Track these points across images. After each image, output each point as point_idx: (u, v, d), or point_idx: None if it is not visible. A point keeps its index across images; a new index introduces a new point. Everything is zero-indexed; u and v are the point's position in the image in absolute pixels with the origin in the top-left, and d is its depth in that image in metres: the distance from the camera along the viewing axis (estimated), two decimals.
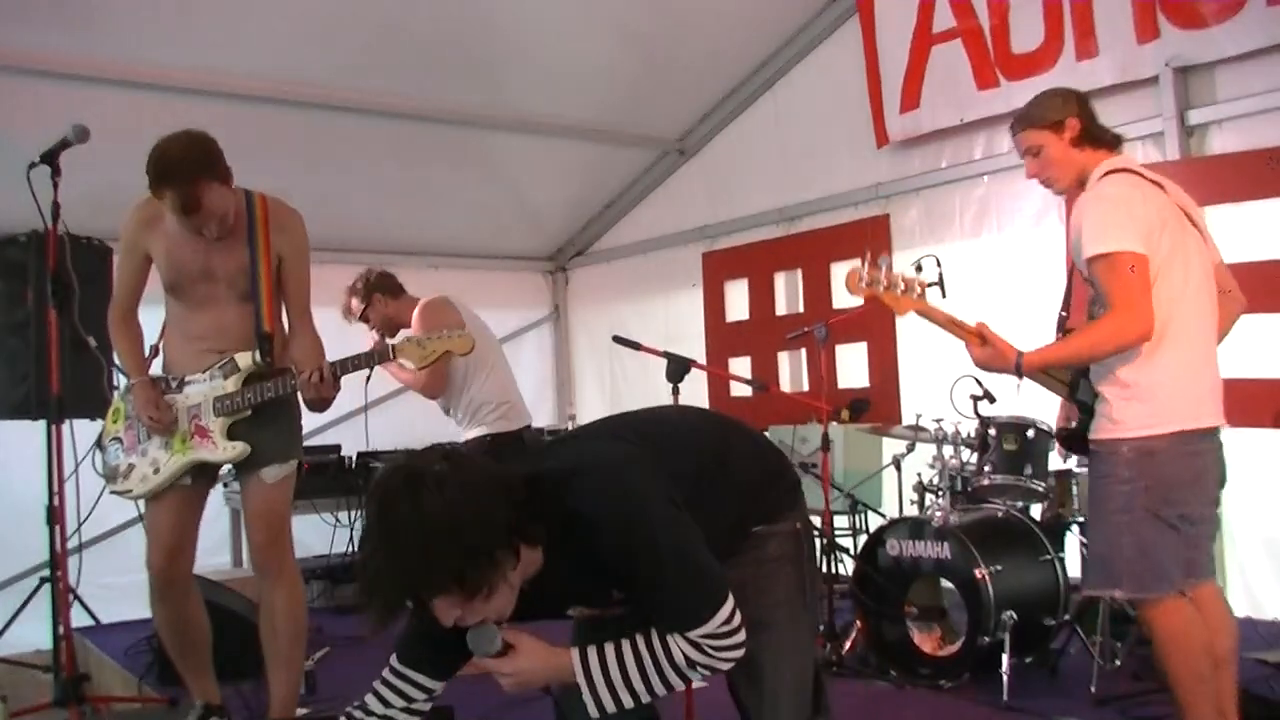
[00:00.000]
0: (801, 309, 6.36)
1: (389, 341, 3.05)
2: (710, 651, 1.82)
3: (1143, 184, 2.73)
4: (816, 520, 4.36)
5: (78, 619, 4.19)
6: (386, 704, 2.00)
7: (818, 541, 2.31)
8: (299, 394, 3.20)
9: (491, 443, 4.60)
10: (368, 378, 3.81)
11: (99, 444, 3.39)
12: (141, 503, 3.30)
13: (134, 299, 3.31)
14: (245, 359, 3.19)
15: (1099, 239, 2.63)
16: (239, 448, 3.17)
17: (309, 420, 6.14)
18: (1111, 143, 2.84)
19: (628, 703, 1.84)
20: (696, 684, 2.34)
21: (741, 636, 1.84)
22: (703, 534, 1.86)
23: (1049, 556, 3.93)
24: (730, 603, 1.82)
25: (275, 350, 3.21)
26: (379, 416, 6.94)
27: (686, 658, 1.82)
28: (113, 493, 3.32)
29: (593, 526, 1.81)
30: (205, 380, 3.21)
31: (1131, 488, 2.66)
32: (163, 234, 3.16)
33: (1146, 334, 2.60)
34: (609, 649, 1.84)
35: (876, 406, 5.57)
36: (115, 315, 3.32)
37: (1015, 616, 3.63)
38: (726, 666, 1.86)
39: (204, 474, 3.27)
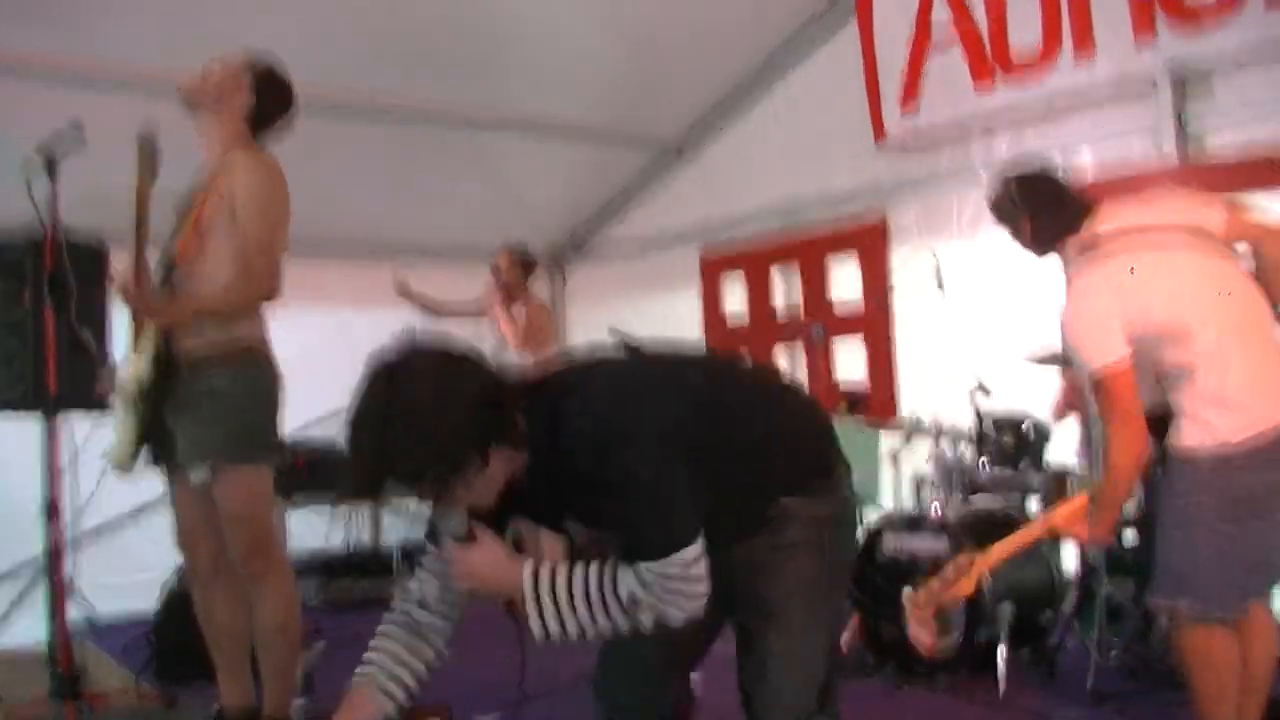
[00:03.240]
0: (799, 309, 6.37)
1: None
2: (658, 591, 1.76)
3: (1112, 265, 2.75)
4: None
5: (74, 614, 4.19)
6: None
7: (854, 531, 2.25)
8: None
9: None
10: None
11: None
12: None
13: None
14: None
15: (1089, 359, 2.70)
16: (132, 363, 3.05)
17: (307, 415, 6.13)
18: (1073, 223, 2.87)
19: (572, 630, 1.80)
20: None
21: (699, 589, 1.78)
22: (691, 482, 1.81)
23: (1045, 553, 3.93)
24: (695, 551, 1.77)
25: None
26: None
27: (631, 593, 1.77)
28: (118, 476, 3.26)
29: (573, 438, 1.80)
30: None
31: (1193, 501, 2.63)
32: None
33: (1144, 435, 2.66)
34: (561, 570, 1.81)
35: (874, 402, 5.57)
36: None
37: (1012, 612, 3.63)
38: (675, 616, 1.79)
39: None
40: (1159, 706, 3.38)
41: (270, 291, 3.11)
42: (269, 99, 3.22)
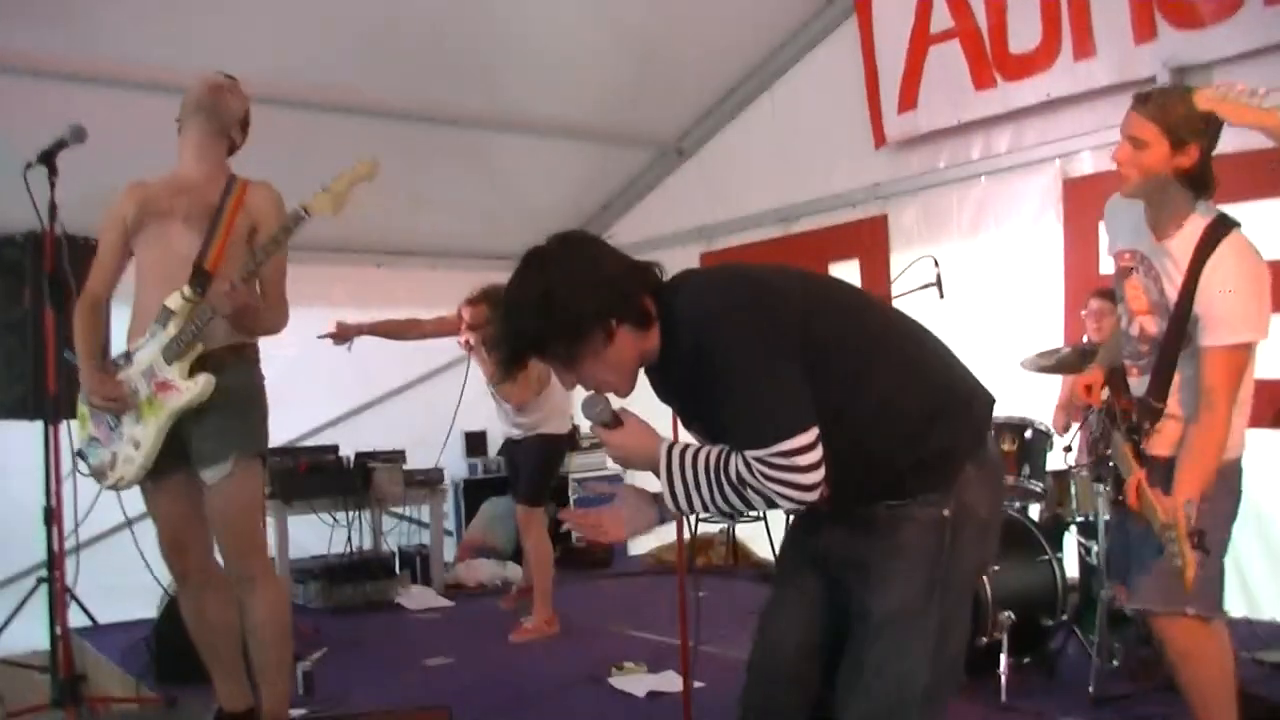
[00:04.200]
0: None
1: (300, 206, 3.07)
2: (760, 476, 1.78)
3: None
4: None
5: (75, 619, 4.19)
6: None
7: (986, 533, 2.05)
8: (220, 315, 3.02)
9: (547, 440, 5.07)
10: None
11: (79, 454, 3.30)
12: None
13: None
14: (174, 300, 3.08)
15: (1256, 328, 2.49)
16: (202, 380, 3.04)
17: (309, 420, 6.13)
18: (1208, 189, 2.59)
19: (696, 507, 1.88)
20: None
21: (804, 480, 1.77)
22: (803, 378, 1.82)
23: (1047, 557, 3.93)
24: (800, 441, 1.77)
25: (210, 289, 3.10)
26: (377, 416, 6.97)
27: (739, 475, 1.82)
28: (108, 489, 3.25)
29: (683, 326, 1.91)
30: (149, 339, 3.12)
31: (1217, 508, 2.59)
32: None
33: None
34: (690, 450, 1.89)
35: None
36: None
37: (1013, 617, 3.63)
38: (781, 501, 1.80)
39: (188, 459, 3.13)
40: (1160, 710, 3.38)
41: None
42: (242, 141, 3.33)
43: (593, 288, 1.88)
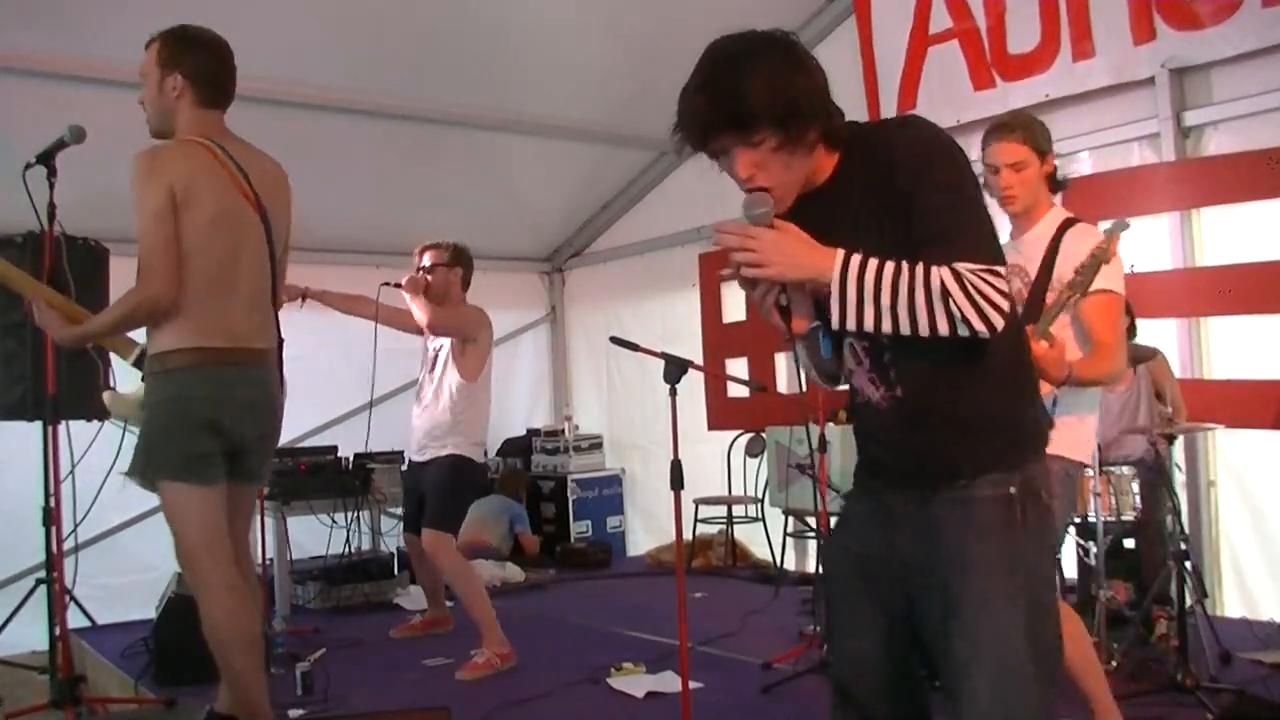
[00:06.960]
0: None
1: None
2: (968, 285, 1.72)
3: None
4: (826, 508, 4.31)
5: (74, 620, 4.19)
6: None
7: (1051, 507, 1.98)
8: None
9: (461, 461, 4.59)
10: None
11: None
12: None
13: None
14: None
15: (1115, 279, 2.76)
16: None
17: (308, 420, 6.10)
18: (1063, 185, 2.97)
19: (868, 321, 1.76)
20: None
21: (1004, 304, 1.73)
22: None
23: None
24: (1003, 269, 1.78)
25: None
26: (377, 417, 6.95)
27: (943, 284, 1.72)
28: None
29: (894, 141, 1.85)
30: None
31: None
32: None
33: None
34: (872, 259, 1.76)
35: None
36: None
37: None
38: (975, 318, 1.72)
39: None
40: (1160, 710, 3.38)
41: (157, 294, 2.86)
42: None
43: (820, 79, 1.84)
